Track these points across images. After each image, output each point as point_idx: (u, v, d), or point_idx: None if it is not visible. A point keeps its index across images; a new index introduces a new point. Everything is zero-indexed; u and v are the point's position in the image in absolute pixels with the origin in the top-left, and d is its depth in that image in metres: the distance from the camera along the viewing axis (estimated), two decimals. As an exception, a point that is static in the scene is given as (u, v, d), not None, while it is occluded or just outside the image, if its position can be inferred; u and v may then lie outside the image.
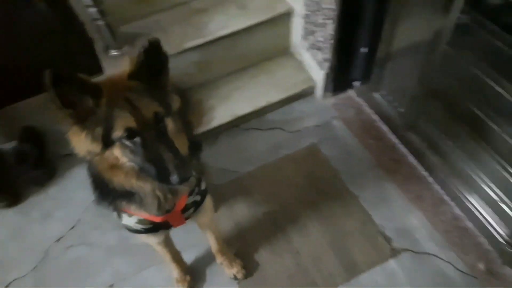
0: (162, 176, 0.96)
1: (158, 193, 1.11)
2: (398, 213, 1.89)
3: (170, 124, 1.02)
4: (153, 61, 0.99)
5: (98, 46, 2.14)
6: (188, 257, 1.79)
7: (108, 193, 1.09)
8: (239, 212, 1.95)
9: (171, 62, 2.11)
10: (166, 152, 0.95)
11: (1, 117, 2.25)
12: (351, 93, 2.40)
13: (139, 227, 1.24)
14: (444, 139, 1.82)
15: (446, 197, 1.87)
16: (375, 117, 2.25)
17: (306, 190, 2.00)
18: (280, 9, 2.28)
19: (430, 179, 1.96)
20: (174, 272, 1.69)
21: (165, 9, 2.33)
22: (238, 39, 2.28)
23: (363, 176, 2.04)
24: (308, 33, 2.21)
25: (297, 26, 2.32)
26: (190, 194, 1.27)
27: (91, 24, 2.03)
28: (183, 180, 0.95)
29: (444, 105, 1.84)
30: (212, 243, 1.65)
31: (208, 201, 1.41)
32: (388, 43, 1.97)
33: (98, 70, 2.08)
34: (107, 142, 0.94)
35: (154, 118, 0.96)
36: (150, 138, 0.94)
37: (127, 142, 0.94)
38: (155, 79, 1.01)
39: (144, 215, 1.18)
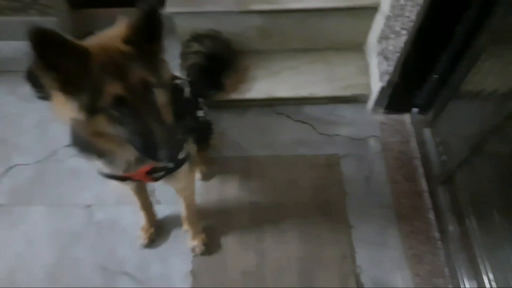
0: (148, 151, 0.91)
1: (130, 158, 1.09)
2: (386, 264, 1.68)
3: (160, 95, 0.96)
4: (149, 27, 0.92)
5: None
6: (162, 212, 1.81)
7: (82, 145, 1.08)
8: (228, 190, 1.89)
9: (233, 18, 1.91)
10: (156, 125, 0.89)
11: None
12: (406, 118, 2.11)
13: (106, 171, 1.25)
14: (474, 213, 1.51)
15: (446, 270, 1.61)
16: (417, 154, 1.96)
17: (304, 199, 1.86)
18: (366, 1, 2.02)
19: (439, 245, 1.69)
20: (142, 219, 1.72)
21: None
22: (310, 18, 2.10)
23: (369, 210, 1.83)
24: (383, 37, 1.93)
25: (377, 25, 2.04)
26: None
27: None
28: (171, 157, 0.91)
29: (495, 176, 1.51)
30: (182, 209, 1.63)
31: (184, 171, 1.36)
32: (463, 78, 1.65)
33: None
34: (92, 110, 0.88)
35: (144, 87, 0.91)
36: (138, 108, 0.89)
37: (114, 112, 0.89)
38: (149, 46, 0.94)
39: (109, 171, 1.18)
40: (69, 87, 0.86)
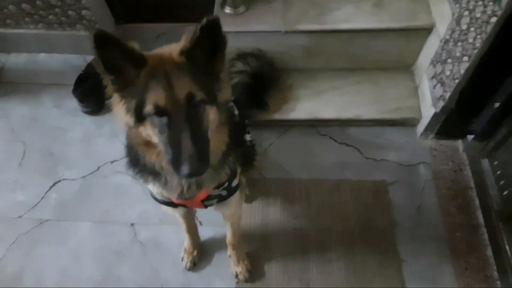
0: (175, 163, 0.89)
1: (184, 181, 1.08)
2: (440, 305, 1.59)
3: (211, 113, 0.95)
4: (210, 43, 0.91)
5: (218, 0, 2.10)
6: (205, 234, 1.78)
7: (138, 165, 1.08)
8: (272, 215, 1.85)
9: (279, 38, 1.92)
10: (187, 140, 0.87)
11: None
12: (458, 144, 2.00)
13: (159, 197, 1.24)
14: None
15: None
16: (472, 184, 1.86)
17: (351, 227, 1.79)
18: (420, 22, 1.94)
19: (498, 285, 1.58)
20: (185, 241, 1.70)
21: (299, -20, 2.16)
22: (358, 38, 2.04)
23: (421, 243, 1.74)
24: (438, 60, 1.84)
25: (430, 47, 1.95)
26: (217, 187, 1.21)
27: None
28: (192, 174, 0.88)
29: None
30: (228, 234, 1.60)
31: (235, 198, 1.34)
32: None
33: (198, 20, 2.05)
34: (139, 116, 0.90)
35: (187, 99, 0.89)
36: (177, 120, 0.88)
37: (156, 120, 0.89)
38: (210, 63, 0.94)
39: (165, 194, 1.17)
40: (124, 91, 0.90)
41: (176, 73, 0.88)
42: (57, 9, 2.23)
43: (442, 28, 1.79)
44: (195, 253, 1.71)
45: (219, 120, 0.99)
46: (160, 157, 0.99)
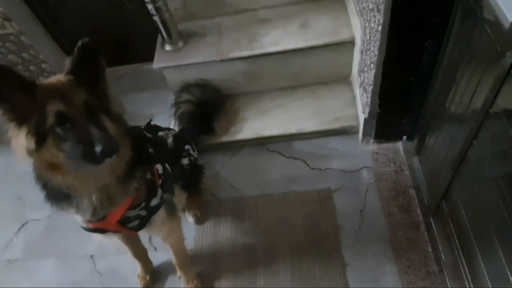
0: (87, 153, 0.97)
1: (95, 198, 1.14)
2: (383, 303, 1.62)
3: (107, 123, 1.05)
4: (93, 64, 1.04)
5: (159, 39, 2.28)
6: (160, 258, 1.87)
7: (51, 195, 1.16)
8: (222, 233, 1.93)
9: (217, 67, 2.10)
10: (94, 130, 0.98)
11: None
12: (399, 146, 2.08)
13: (85, 225, 1.33)
14: (460, 245, 1.44)
15: (445, 309, 1.52)
16: (411, 183, 1.91)
17: (297, 237, 1.86)
18: (343, 36, 2.07)
19: (439, 279, 1.61)
20: (138, 267, 1.79)
21: (231, 13, 2.34)
22: (291, 58, 2.17)
23: (365, 245, 1.78)
24: (360, 69, 1.96)
25: (357, 58, 2.07)
26: (134, 207, 1.27)
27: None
28: (106, 150, 0.96)
29: (480, 202, 1.44)
30: (172, 255, 1.69)
31: (160, 217, 1.39)
32: (438, 104, 1.62)
33: (150, 59, 2.22)
34: (40, 135, 0.98)
35: (85, 105, 1.00)
36: (80, 122, 0.98)
37: (59, 130, 0.98)
38: (97, 83, 1.07)
39: (80, 219, 1.27)
40: (20, 117, 0.97)
41: (69, 87, 1.00)
42: (19, 66, 2.45)
43: (358, 40, 1.91)
44: (147, 277, 1.80)
45: (115, 131, 1.07)
46: (66, 175, 1.05)
